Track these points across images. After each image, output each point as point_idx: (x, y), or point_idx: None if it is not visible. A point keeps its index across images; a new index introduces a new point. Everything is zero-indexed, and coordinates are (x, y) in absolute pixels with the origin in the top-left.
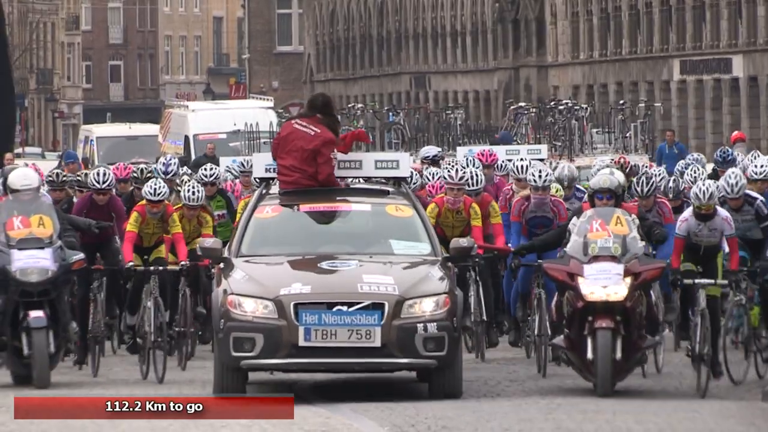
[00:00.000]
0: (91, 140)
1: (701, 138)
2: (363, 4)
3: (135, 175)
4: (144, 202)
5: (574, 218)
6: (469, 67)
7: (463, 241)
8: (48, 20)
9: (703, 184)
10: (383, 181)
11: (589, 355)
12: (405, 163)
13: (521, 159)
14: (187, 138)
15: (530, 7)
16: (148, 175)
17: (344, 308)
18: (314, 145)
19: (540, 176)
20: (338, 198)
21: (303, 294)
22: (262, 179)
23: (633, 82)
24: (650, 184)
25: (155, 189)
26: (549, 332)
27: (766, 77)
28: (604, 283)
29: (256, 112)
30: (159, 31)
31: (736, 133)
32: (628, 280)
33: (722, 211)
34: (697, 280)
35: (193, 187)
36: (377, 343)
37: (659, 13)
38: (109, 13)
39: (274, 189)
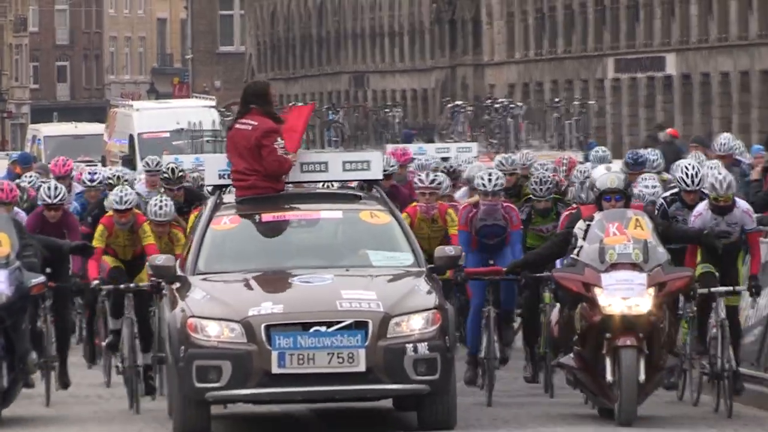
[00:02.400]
0: (39, 139)
1: (635, 135)
2: (303, 5)
3: (111, 182)
4: (110, 212)
5: (580, 222)
6: (406, 66)
7: (449, 249)
8: None
9: (719, 173)
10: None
11: (608, 377)
12: (377, 164)
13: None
14: (131, 137)
15: (466, 8)
16: (180, 173)
17: (323, 329)
18: (255, 139)
19: (490, 180)
20: (304, 205)
21: (275, 314)
22: (215, 187)
23: (568, 80)
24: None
25: (122, 197)
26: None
27: (699, 75)
28: (624, 295)
29: (199, 111)
30: (104, 33)
31: (669, 130)
32: (652, 290)
33: (742, 203)
34: (713, 289)
35: (161, 201)
36: (362, 368)
37: (593, 13)
38: (55, 15)
39: (228, 197)
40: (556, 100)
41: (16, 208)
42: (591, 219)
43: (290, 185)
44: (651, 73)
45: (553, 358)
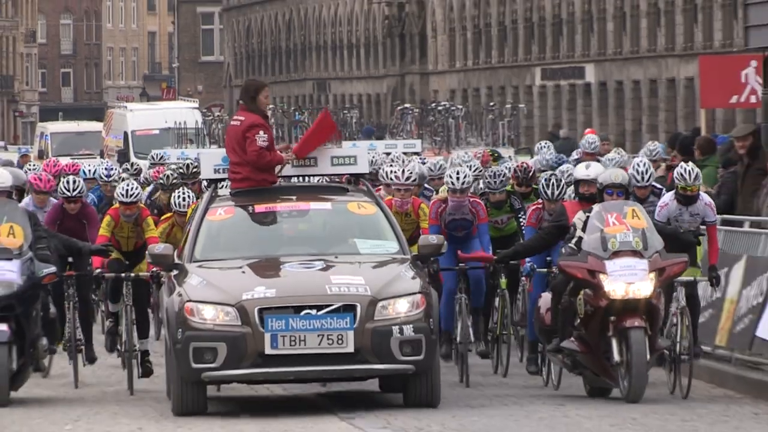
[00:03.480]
0: (46, 135)
1: (564, 136)
2: (273, 21)
3: (161, 181)
4: (117, 205)
5: (580, 213)
6: (362, 74)
7: (433, 239)
8: (9, 34)
9: (688, 165)
10: (337, 180)
11: (616, 357)
12: (363, 159)
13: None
14: (126, 133)
15: (414, 23)
16: (174, 181)
17: (313, 312)
18: (241, 132)
19: (458, 178)
20: (295, 197)
21: (268, 298)
22: (210, 181)
23: (501, 86)
24: (560, 187)
25: (128, 190)
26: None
27: (613, 83)
28: (628, 280)
29: (184, 112)
30: (103, 44)
31: (588, 130)
32: (653, 275)
33: (705, 197)
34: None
35: (183, 193)
36: (350, 349)
37: (523, 29)
38: (61, 28)
39: (223, 191)
40: (491, 103)
41: (51, 198)
42: (590, 211)
43: (282, 179)
44: (572, 80)
45: (546, 345)
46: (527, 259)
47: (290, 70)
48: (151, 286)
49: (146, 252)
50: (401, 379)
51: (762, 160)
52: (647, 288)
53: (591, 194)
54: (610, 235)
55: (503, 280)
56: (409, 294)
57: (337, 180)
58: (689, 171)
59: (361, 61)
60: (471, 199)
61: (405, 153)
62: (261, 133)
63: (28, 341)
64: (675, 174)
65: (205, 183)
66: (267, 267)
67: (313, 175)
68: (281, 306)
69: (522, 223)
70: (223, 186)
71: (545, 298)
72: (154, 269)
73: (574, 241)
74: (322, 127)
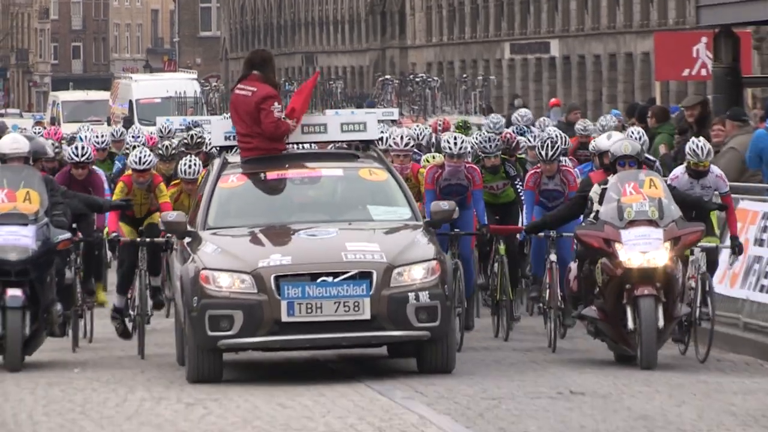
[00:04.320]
0: (58, 104)
1: (526, 105)
2: (264, 1)
3: (160, 152)
4: (130, 171)
5: (596, 186)
6: (347, 48)
7: (444, 204)
8: (24, 11)
9: (699, 140)
10: (345, 146)
11: (630, 324)
12: (373, 125)
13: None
14: (131, 102)
15: (394, 2)
16: (173, 152)
17: (329, 279)
18: (254, 104)
19: (456, 144)
20: (307, 163)
21: (284, 265)
22: (221, 148)
23: (473, 60)
24: (555, 148)
25: (140, 158)
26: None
27: (576, 57)
28: (643, 249)
29: (184, 83)
30: (110, 20)
31: (553, 100)
32: (668, 245)
33: (715, 169)
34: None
35: (190, 161)
36: (366, 316)
37: (494, 7)
38: (71, 6)
39: (233, 158)
40: (464, 75)
41: (95, 167)
42: (605, 183)
43: (291, 145)
44: (539, 55)
45: (574, 311)
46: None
47: (281, 45)
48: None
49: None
50: (414, 344)
51: (708, 128)
52: (662, 257)
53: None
54: (627, 204)
55: (501, 247)
56: (425, 260)
57: (346, 146)
58: (701, 147)
59: (345, 37)
60: (467, 165)
61: (382, 121)
62: (276, 104)
63: (42, 307)
64: (687, 149)
65: (216, 149)
66: (281, 234)
67: (323, 142)
68: (297, 273)
69: (519, 190)
70: (233, 152)
71: (574, 266)
72: (168, 235)
73: (592, 215)
74: (306, 85)
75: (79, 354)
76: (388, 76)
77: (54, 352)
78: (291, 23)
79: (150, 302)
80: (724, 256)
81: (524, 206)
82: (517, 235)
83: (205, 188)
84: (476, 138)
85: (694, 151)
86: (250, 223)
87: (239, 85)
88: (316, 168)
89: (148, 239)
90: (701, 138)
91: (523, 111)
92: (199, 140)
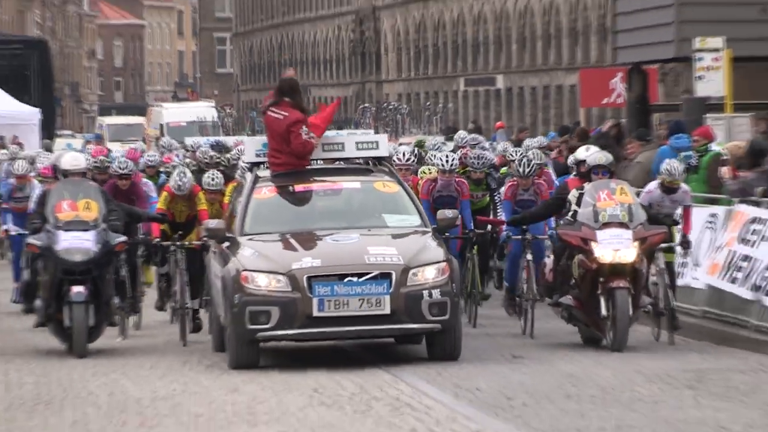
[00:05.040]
0: (103, 126)
1: (480, 127)
2: (270, 42)
3: (206, 160)
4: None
5: (574, 190)
6: (334, 82)
7: (449, 213)
8: (76, 52)
9: (673, 161)
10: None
11: (603, 312)
12: (384, 144)
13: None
14: (161, 125)
15: (372, 44)
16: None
17: (354, 279)
18: (285, 127)
19: (447, 161)
20: (329, 177)
21: (315, 267)
22: (252, 164)
23: (435, 91)
24: (531, 165)
25: (180, 185)
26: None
27: (517, 89)
28: (615, 247)
29: (204, 109)
30: (145, 59)
31: (498, 123)
32: (636, 244)
33: (684, 185)
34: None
35: (213, 174)
36: (387, 311)
37: (451, 49)
38: (114, 48)
39: (263, 173)
40: (428, 103)
41: (145, 179)
42: (582, 188)
43: (314, 161)
44: (487, 87)
45: (548, 299)
46: (504, 228)
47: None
48: (202, 253)
49: (195, 223)
50: (426, 334)
51: (623, 146)
52: (631, 254)
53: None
54: (601, 208)
55: (474, 250)
56: (436, 262)
57: (359, 162)
58: (676, 168)
59: (333, 73)
60: (456, 179)
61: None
62: (304, 127)
63: (103, 301)
64: (662, 170)
65: (246, 165)
66: (310, 239)
67: (340, 159)
68: (327, 274)
69: (496, 198)
70: (263, 167)
71: (549, 261)
72: (205, 239)
73: (570, 214)
74: (327, 109)
75: (127, 341)
76: (367, 105)
77: (110, 338)
78: (290, 62)
79: (189, 301)
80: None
81: (503, 212)
82: (499, 238)
83: (241, 199)
84: (468, 157)
85: (668, 171)
86: (281, 230)
87: (272, 109)
88: (337, 181)
89: (186, 243)
90: (675, 160)
91: (463, 133)
92: (217, 160)
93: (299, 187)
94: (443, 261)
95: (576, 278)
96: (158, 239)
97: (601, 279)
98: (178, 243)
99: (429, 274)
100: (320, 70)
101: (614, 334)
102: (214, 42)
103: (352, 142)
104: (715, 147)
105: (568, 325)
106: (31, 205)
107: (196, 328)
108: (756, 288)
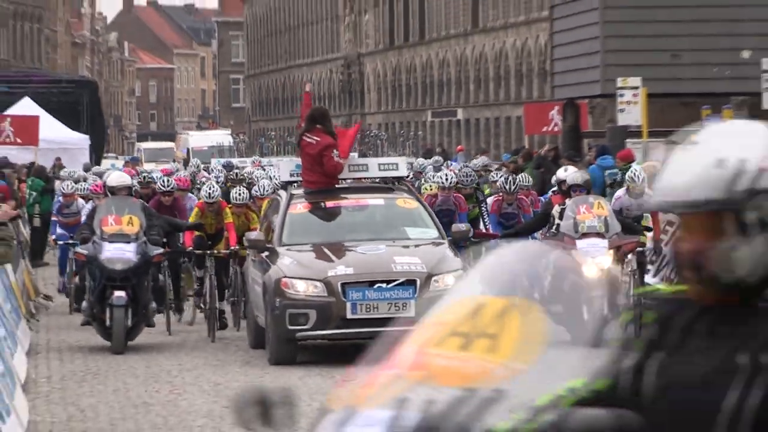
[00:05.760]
0: (141, 150)
1: (445, 151)
2: (274, 82)
3: (232, 177)
4: (202, 200)
5: (557, 206)
6: (331, 112)
7: (462, 227)
8: (118, 90)
9: (638, 170)
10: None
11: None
12: (402, 165)
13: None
14: (188, 149)
15: (357, 84)
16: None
17: (383, 285)
18: (317, 151)
19: (447, 179)
20: (356, 195)
21: (348, 274)
22: (287, 182)
23: (408, 122)
24: (515, 183)
25: (210, 193)
26: None
27: (474, 119)
28: (593, 255)
29: (222, 136)
30: (174, 96)
31: (459, 147)
32: (612, 252)
33: (648, 191)
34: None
35: (239, 190)
36: (412, 313)
37: (421, 87)
38: (149, 87)
39: (296, 190)
40: (401, 132)
41: (189, 194)
42: (563, 204)
43: (342, 180)
44: (449, 118)
45: None
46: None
47: (284, 113)
48: (229, 261)
49: (223, 234)
50: None
51: (558, 165)
52: (607, 260)
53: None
54: (581, 221)
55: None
56: (454, 270)
57: (378, 181)
58: (638, 175)
59: (327, 106)
60: (454, 195)
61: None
62: (334, 151)
63: (141, 304)
64: (627, 178)
65: (281, 184)
66: (341, 250)
67: (365, 178)
68: (359, 281)
69: (483, 210)
70: (295, 186)
71: None
72: (232, 247)
73: (554, 227)
74: (349, 132)
75: (164, 337)
76: None
77: (149, 335)
78: (290, 98)
79: (217, 324)
80: None
81: (490, 223)
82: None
83: (278, 214)
84: (458, 175)
85: (632, 178)
86: (314, 241)
87: (307, 134)
88: (363, 198)
89: (216, 251)
90: (639, 168)
91: (421, 160)
92: (241, 176)
93: (330, 204)
94: (460, 269)
95: None
96: (191, 248)
97: None
98: (207, 252)
99: (449, 281)
100: (316, 104)
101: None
102: (230, 82)
103: (375, 163)
104: (635, 166)
105: None
106: (82, 218)
107: (222, 326)
108: None
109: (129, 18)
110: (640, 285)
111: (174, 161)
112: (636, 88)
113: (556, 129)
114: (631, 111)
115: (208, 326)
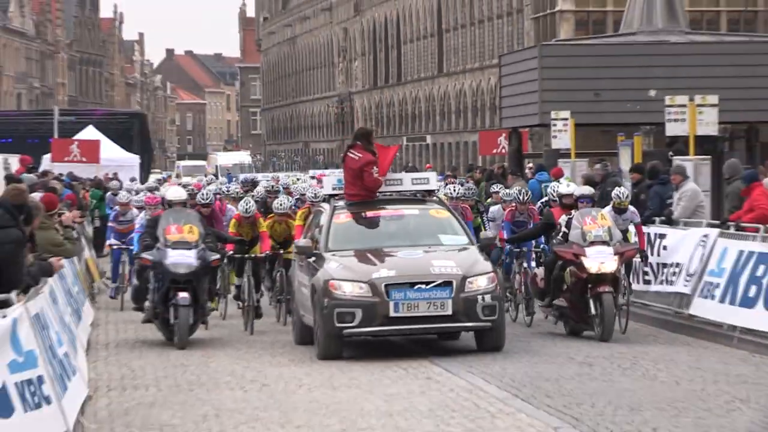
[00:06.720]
0: (179, 167)
1: (419, 169)
2: (284, 114)
3: (268, 189)
4: (240, 213)
5: (563, 216)
6: (325, 138)
7: (489, 234)
8: (162, 120)
9: (621, 188)
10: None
11: (593, 311)
12: (433, 180)
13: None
14: (216, 166)
15: (348, 116)
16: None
17: (423, 286)
18: (358, 166)
19: (455, 191)
20: (393, 206)
21: (391, 276)
22: (330, 195)
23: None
24: (528, 194)
25: (246, 208)
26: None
27: (440, 144)
28: (601, 261)
29: (243, 156)
30: (206, 125)
31: (427, 165)
32: (616, 257)
33: (631, 207)
34: None
35: (280, 200)
36: (449, 312)
37: (398, 119)
38: (186, 118)
39: (339, 202)
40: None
41: (230, 206)
42: (569, 215)
43: (381, 193)
44: (420, 142)
45: (540, 302)
46: (505, 245)
47: (290, 137)
48: (263, 263)
49: (258, 240)
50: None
51: (506, 179)
52: (613, 266)
53: (570, 203)
54: (588, 231)
55: None
56: (486, 273)
57: (411, 194)
58: (623, 193)
59: (324, 132)
60: (462, 205)
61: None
62: (374, 167)
63: (200, 304)
64: (613, 195)
65: (326, 197)
66: (384, 255)
67: (399, 191)
68: (401, 282)
69: (485, 219)
70: (337, 198)
71: (539, 271)
72: (267, 252)
73: (560, 235)
74: (388, 151)
75: (211, 331)
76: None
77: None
78: (296, 125)
79: (256, 295)
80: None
81: (504, 230)
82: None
83: (321, 224)
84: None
85: (618, 196)
86: (357, 247)
87: (351, 151)
88: (400, 209)
89: (253, 255)
90: (623, 188)
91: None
92: (276, 189)
93: (370, 214)
94: (492, 272)
95: (568, 285)
96: (232, 253)
97: (590, 285)
98: (245, 255)
99: (481, 283)
100: (316, 132)
101: (602, 328)
102: (249, 114)
103: (408, 178)
104: (563, 180)
105: (547, 317)
106: (136, 226)
107: (258, 316)
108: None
109: (171, 64)
110: (629, 289)
111: (205, 176)
112: (566, 119)
113: (503, 151)
114: (562, 137)
115: (245, 320)
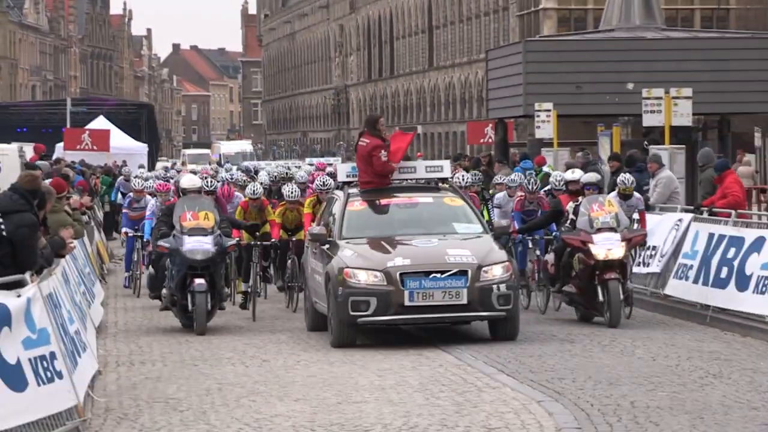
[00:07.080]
0: (185, 155)
1: (411, 158)
2: (284, 105)
3: (272, 178)
4: (247, 199)
5: (570, 203)
6: (322, 128)
7: (503, 222)
8: (168, 111)
9: (626, 174)
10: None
11: (600, 298)
12: (447, 168)
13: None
14: (220, 154)
15: (344, 107)
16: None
17: (438, 275)
18: (366, 151)
19: (464, 179)
20: (406, 193)
21: (406, 265)
22: (344, 182)
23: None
24: (537, 184)
25: (254, 191)
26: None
27: (430, 134)
28: (608, 247)
29: (245, 145)
30: (210, 115)
31: (418, 153)
32: (623, 244)
33: (636, 193)
34: None
35: (291, 188)
36: (464, 301)
37: (392, 110)
38: (191, 109)
39: (352, 190)
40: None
41: (237, 193)
42: (577, 202)
43: (394, 181)
44: (412, 132)
45: (552, 288)
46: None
47: (293, 128)
48: (271, 250)
49: (268, 228)
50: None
51: (492, 166)
52: (620, 252)
53: (576, 189)
54: (595, 218)
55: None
56: (502, 262)
57: (425, 182)
58: (628, 179)
59: (321, 122)
60: (470, 193)
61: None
62: (382, 152)
63: (217, 290)
64: (618, 181)
65: (339, 185)
66: (399, 243)
67: (413, 179)
68: (416, 271)
69: (490, 207)
70: (351, 186)
71: (550, 257)
72: (274, 240)
73: (568, 222)
74: (404, 138)
75: (225, 317)
76: (341, 142)
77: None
78: (295, 116)
79: (261, 284)
80: None
81: (514, 220)
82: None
83: (337, 211)
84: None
85: (623, 182)
86: (371, 235)
87: (360, 139)
88: (414, 197)
89: (260, 242)
90: (628, 174)
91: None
92: (283, 176)
93: (383, 201)
94: (507, 261)
95: (577, 271)
96: (239, 239)
97: (597, 272)
98: (253, 243)
99: (497, 272)
100: (313, 122)
101: (610, 314)
102: (251, 105)
103: (422, 166)
104: (545, 168)
105: (558, 307)
106: (147, 213)
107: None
108: None
109: (177, 58)
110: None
111: (209, 164)
112: (549, 110)
113: (490, 141)
114: (545, 128)
115: (251, 306)
